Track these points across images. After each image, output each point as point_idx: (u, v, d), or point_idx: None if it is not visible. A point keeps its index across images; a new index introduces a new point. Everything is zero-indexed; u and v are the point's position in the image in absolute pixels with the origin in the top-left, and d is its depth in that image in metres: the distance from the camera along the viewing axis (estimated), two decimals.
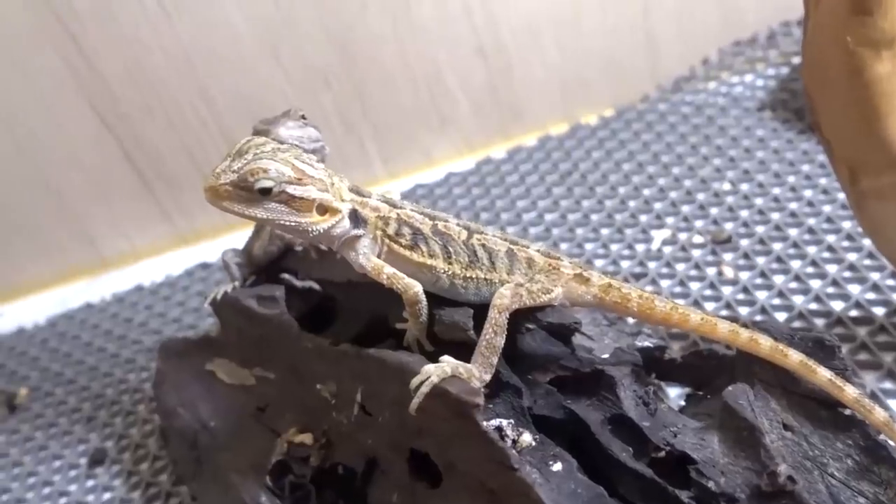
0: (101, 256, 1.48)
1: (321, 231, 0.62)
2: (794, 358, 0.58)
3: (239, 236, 1.41)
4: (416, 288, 0.63)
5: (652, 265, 1.08)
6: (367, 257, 0.63)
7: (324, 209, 0.62)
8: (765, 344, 0.59)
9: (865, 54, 0.64)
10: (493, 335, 0.59)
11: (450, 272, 0.64)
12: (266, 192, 0.59)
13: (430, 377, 0.58)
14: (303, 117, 0.79)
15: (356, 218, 0.64)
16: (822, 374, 0.57)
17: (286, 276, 0.90)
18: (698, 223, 1.13)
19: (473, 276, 0.64)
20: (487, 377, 0.59)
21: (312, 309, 0.85)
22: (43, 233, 1.44)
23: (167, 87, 1.34)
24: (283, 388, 0.81)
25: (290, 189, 0.59)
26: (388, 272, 0.63)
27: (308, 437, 0.75)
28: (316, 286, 0.87)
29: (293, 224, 0.61)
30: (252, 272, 0.91)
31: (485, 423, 0.58)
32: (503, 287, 0.62)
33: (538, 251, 0.65)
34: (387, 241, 0.64)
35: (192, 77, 1.34)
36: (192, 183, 1.44)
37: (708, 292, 1.01)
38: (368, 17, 1.33)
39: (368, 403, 0.69)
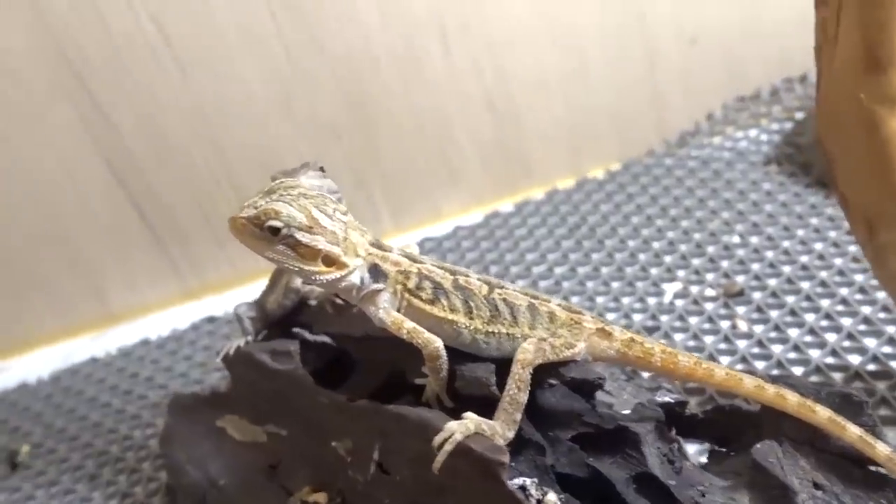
0: (109, 310, 1.47)
1: (325, 281, 0.63)
2: (822, 414, 0.57)
3: (246, 290, 1.42)
4: (437, 343, 0.62)
5: (664, 318, 1.07)
6: (387, 311, 0.63)
7: (331, 261, 0.62)
8: (792, 399, 0.59)
9: (881, 111, 0.65)
10: (517, 391, 0.58)
11: (471, 327, 0.63)
12: (275, 233, 0.59)
13: (453, 434, 0.57)
14: (321, 169, 0.80)
15: (377, 272, 0.64)
16: (852, 431, 0.56)
17: (299, 330, 0.89)
18: (709, 276, 1.13)
19: (495, 330, 0.63)
20: (511, 434, 0.58)
21: (326, 364, 0.84)
22: (52, 286, 1.44)
23: (180, 141, 1.36)
24: (296, 445, 0.79)
25: (298, 235, 0.60)
26: (408, 326, 0.62)
27: (322, 497, 0.74)
28: (329, 341, 0.86)
29: (296, 269, 0.61)
30: (264, 326, 0.90)
31: (509, 482, 0.56)
32: (526, 342, 0.61)
33: (559, 305, 0.65)
34: (407, 295, 0.64)
35: (205, 131, 1.36)
36: (202, 236, 1.45)
37: (722, 346, 1.00)
38: (381, 72, 1.35)
39: (386, 461, 0.68)
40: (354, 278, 0.63)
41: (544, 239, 1.34)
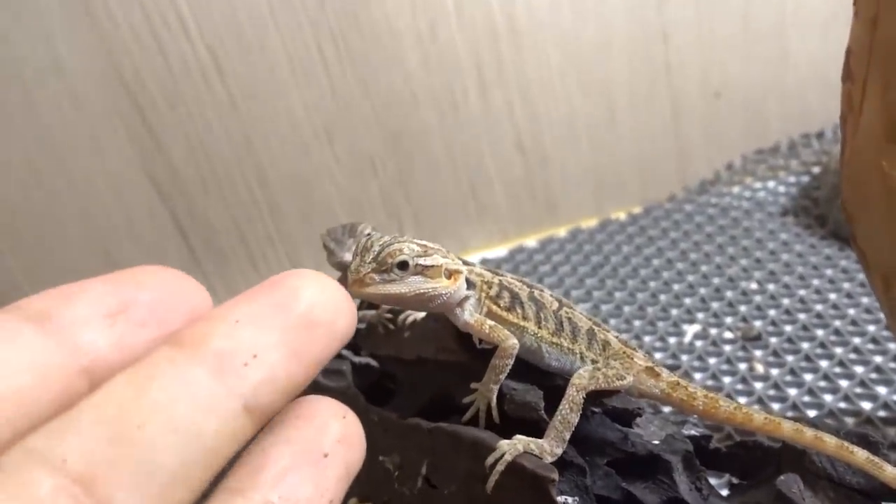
0: None
1: (451, 293, 0.67)
2: (860, 455, 0.62)
3: None
4: (514, 341, 0.67)
5: (685, 358, 1.13)
6: (471, 314, 0.69)
7: (449, 272, 0.67)
8: (830, 442, 0.63)
9: None
10: (569, 411, 0.64)
11: (539, 335, 0.69)
12: (404, 268, 0.64)
13: (504, 454, 0.63)
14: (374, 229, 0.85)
15: (467, 282, 0.70)
16: (890, 470, 0.62)
17: (345, 351, 0.95)
18: (728, 319, 1.19)
19: (558, 342, 0.69)
20: (559, 451, 0.64)
21: (368, 384, 0.90)
22: None
23: (225, 165, 1.43)
24: None
25: (422, 260, 0.65)
26: (489, 324, 0.68)
27: None
28: (373, 362, 0.92)
29: (431, 290, 0.65)
30: None
31: (557, 498, 0.61)
32: (582, 369, 0.67)
33: (616, 338, 0.71)
34: (487, 302, 0.70)
35: (249, 157, 1.43)
36: (238, 257, 1.51)
37: (740, 387, 1.06)
38: (419, 111, 1.43)
39: (433, 476, 0.73)
40: (465, 283, 0.69)
41: (568, 276, 1.40)
